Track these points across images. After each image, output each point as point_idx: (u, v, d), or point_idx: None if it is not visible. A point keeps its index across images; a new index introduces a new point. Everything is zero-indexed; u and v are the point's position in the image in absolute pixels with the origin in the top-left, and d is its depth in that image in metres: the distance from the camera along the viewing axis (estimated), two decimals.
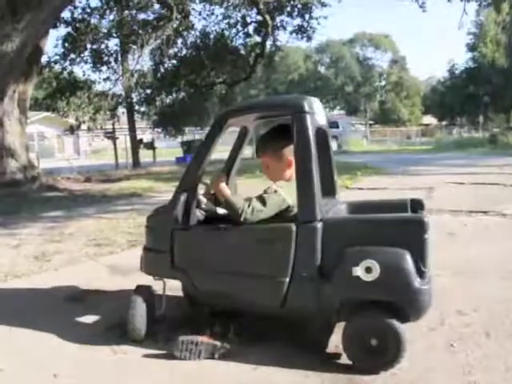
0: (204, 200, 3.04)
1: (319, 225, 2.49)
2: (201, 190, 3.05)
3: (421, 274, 2.38)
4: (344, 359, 2.58)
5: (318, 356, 2.63)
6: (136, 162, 20.45)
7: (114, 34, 17.47)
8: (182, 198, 2.82)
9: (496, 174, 11.43)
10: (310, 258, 2.49)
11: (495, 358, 2.54)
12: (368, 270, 2.37)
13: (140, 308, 2.84)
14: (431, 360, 2.54)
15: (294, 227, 2.51)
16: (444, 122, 48.35)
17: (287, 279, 2.52)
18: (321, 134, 2.92)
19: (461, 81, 43.26)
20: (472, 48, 43.18)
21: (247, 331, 2.94)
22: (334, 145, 3.62)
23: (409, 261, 2.35)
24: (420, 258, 2.38)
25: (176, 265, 2.81)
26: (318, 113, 2.75)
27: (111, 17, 16.91)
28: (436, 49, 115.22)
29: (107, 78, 18.19)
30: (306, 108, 2.57)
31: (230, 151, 3.43)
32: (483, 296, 3.45)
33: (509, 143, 26.13)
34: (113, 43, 18.53)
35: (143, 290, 2.97)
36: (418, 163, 15.87)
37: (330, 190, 3.05)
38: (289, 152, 2.72)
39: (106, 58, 18.02)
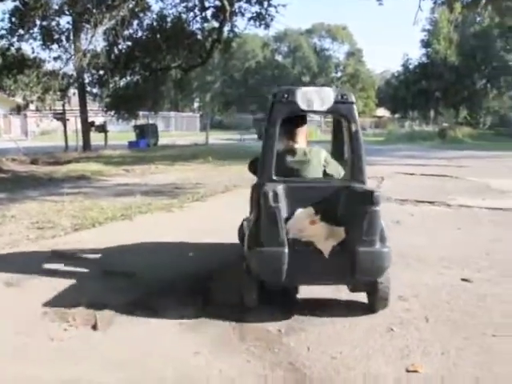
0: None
1: (262, 185, 3.02)
2: None
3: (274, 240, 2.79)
4: (286, 344, 2.59)
5: (259, 341, 2.62)
6: (86, 145, 19.83)
7: (66, 12, 16.77)
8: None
9: (444, 166, 11.79)
10: (256, 208, 3.08)
11: (432, 341, 2.60)
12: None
13: None
14: (371, 344, 2.58)
15: (257, 184, 3.17)
16: (397, 115, 49.26)
17: (254, 219, 3.07)
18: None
19: (414, 75, 44.13)
20: (426, 44, 44.10)
21: (191, 316, 2.91)
22: None
23: (254, 226, 2.95)
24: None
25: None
26: (303, 100, 3.08)
27: None
28: (391, 43, 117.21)
29: (58, 57, 17.42)
30: (278, 98, 3.12)
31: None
32: (424, 283, 3.54)
33: (457, 137, 27.02)
34: (64, 21, 17.78)
35: None
36: (371, 154, 16.07)
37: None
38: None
39: (56, 36, 17.25)
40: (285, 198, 2.99)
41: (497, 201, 6.98)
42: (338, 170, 3.41)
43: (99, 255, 4.29)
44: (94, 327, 2.74)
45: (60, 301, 3.14)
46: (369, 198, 2.78)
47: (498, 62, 41.59)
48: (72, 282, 3.56)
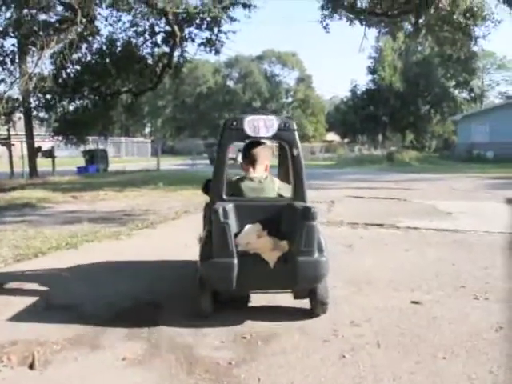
0: None
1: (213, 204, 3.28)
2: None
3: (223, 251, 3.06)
4: (236, 376, 2.49)
5: (208, 373, 2.51)
6: (33, 171, 19.16)
7: (11, 33, 16.34)
8: None
9: (392, 189, 12.08)
10: (208, 224, 3.38)
11: (384, 367, 2.57)
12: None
13: None
14: (323, 373, 2.52)
15: (209, 204, 3.44)
16: (346, 140, 50.58)
17: (206, 234, 3.34)
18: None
19: (362, 101, 45.53)
20: (372, 71, 45.74)
21: (138, 349, 2.78)
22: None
23: (206, 240, 3.21)
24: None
25: None
26: (250, 127, 3.37)
27: (8, 14, 15.78)
28: (339, 70, 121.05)
29: (2, 80, 16.93)
30: (227, 125, 3.42)
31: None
32: (376, 307, 3.53)
33: (404, 161, 27.90)
34: (9, 43, 17.34)
35: None
36: (321, 178, 16.37)
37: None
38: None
39: (0, 59, 16.79)
40: (234, 215, 3.31)
41: (443, 222, 7.17)
42: (289, 193, 3.59)
43: (41, 287, 4.07)
44: (31, 366, 2.56)
45: None
46: (307, 213, 3.08)
47: (439, 89, 43.63)
48: (10, 316, 3.34)
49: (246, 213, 3.35)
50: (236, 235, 3.24)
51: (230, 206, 3.26)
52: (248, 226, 3.32)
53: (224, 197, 3.38)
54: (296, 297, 3.40)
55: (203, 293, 3.23)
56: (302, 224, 3.05)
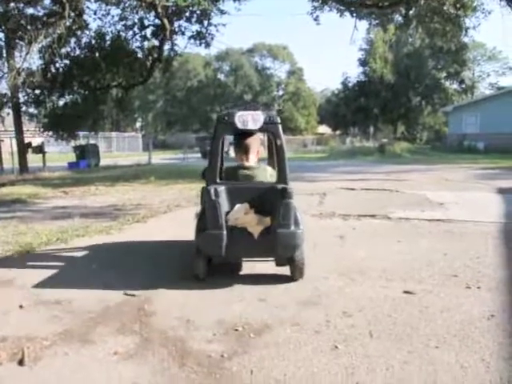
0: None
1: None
2: None
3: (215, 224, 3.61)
4: (228, 368, 2.47)
5: (200, 366, 2.50)
6: (23, 167, 19.01)
7: None
8: None
9: (383, 180, 12.09)
10: (203, 203, 3.97)
11: (377, 357, 2.57)
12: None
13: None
14: (316, 364, 2.51)
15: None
16: (338, 132, 50.62)
17: (201, 211, 3.96)
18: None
19: (353, 93, 45.50)
20: (363, 63, 45.69)
21: (130, 344, 2.75)
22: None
23: (201, 216, 3.79)
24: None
25: None
26: (239, 121, 3.83)
27: None
28: (331, 62, 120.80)
29: None
30: (220, 119, 3.92)
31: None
32: (368, 297, 3.53)
33: (395, 152, 27.95)
34: None
35: None
36: (313, 170, 16.38)
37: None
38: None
39: None
40: (226, 196, 3.80)
41: (435, 212, 7.18)
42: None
43: (30, 282, 4.02)
44: (21, 362, 2.52)
45: None
46: (284, 193, 3.59)
47: (430, 81, 43.70)
48: None
49: (236, 194, 3.84)
50: (228, 213, 3.75)
51: (221, 188, 3.78)
52: (237, 205, 3.81)
53: (217, 180, 3.85)
54: (277, 264, 3.92)
55: (198, 259, 3.79)
56: (280, 202, 3.58)
